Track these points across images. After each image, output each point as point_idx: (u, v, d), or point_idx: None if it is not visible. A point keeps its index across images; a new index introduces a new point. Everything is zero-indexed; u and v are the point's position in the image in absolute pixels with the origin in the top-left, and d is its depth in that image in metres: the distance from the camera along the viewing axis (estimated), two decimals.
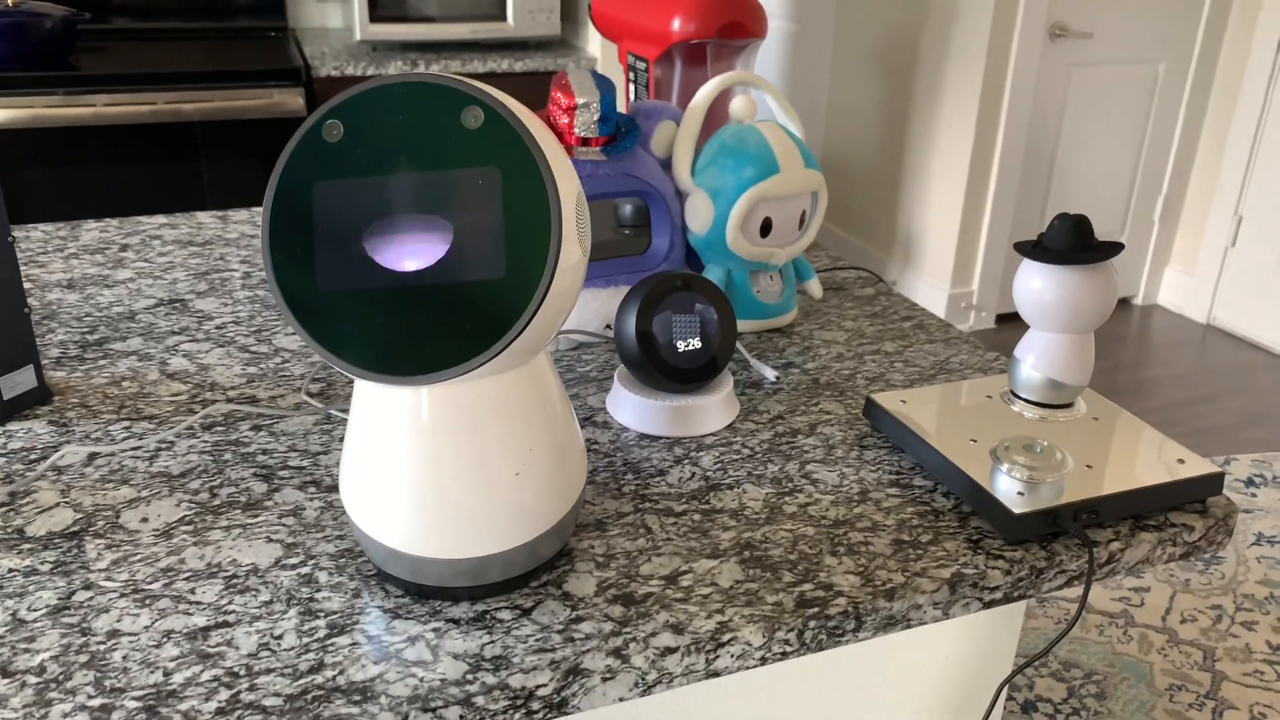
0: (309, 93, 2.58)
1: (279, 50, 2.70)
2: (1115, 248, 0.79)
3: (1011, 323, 3.43)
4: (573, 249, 0.61)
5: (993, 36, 2.98)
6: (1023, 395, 0.85)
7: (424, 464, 0.64)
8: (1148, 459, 0.81)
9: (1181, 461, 0.81)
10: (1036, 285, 0.81)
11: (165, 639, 0.64)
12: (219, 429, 0.88)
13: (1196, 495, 0.80)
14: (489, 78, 2.69)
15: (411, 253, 0.61)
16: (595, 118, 0.97)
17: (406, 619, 0.66)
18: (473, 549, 0.66)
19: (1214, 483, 0.80)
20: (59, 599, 0.67)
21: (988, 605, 0.73)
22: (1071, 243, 0.79)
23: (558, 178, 0.60)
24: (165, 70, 2.43)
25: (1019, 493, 0.76)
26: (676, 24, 1.17)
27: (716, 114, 1.21)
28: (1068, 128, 3.24)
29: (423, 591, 0.68)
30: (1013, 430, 0.84)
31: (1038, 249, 0.80)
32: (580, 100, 0.96)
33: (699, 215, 1.02)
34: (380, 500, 0.65)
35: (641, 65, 1.24)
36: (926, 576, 0.72)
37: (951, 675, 0.98)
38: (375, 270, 0.61)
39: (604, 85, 0.97)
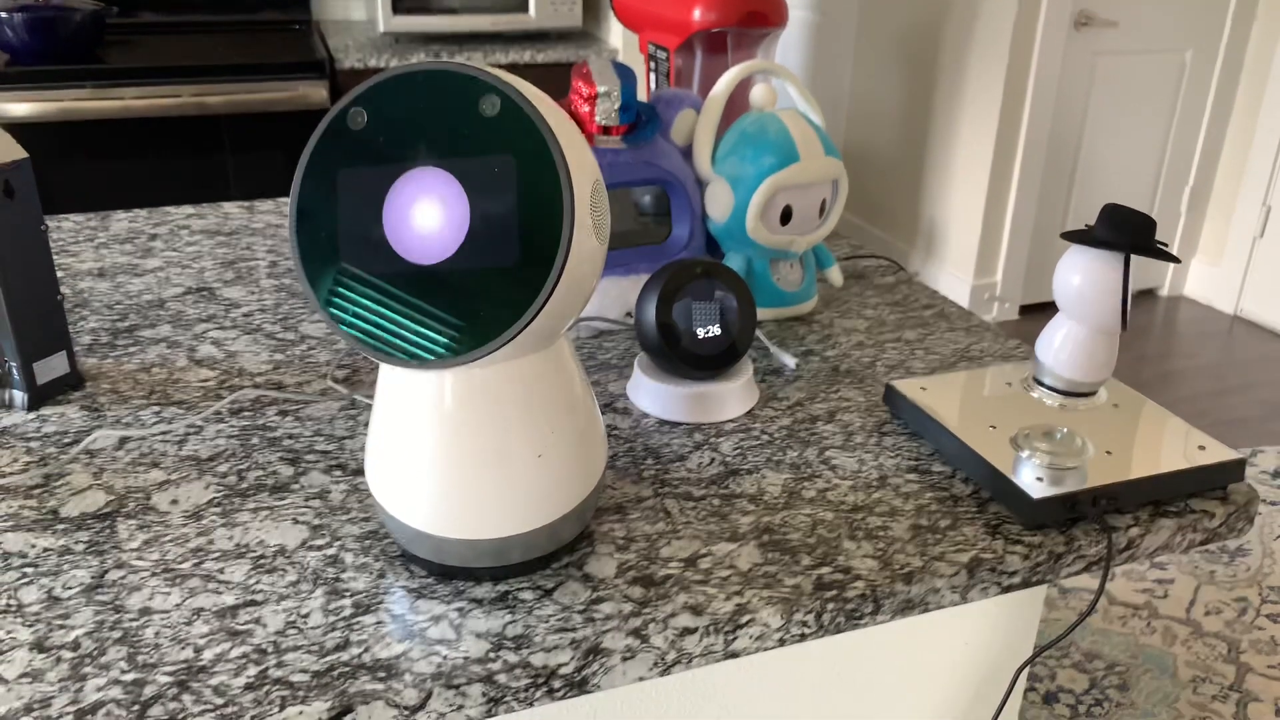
0: (333, 85, 2.60)
1: (303, 43, 2.72)
2: (1166, 254, 0.78)
3: (1035, 314, 3.41)
4: (586, 237, 0.62)
5: (1017, 25, 2.96)
6: (1045, 383, 0.85)
7: (447, 446, 0.65)
8: (1168, 445, 0.81)
9: (1202, 448, 0.81)
10: (1079, 275, 0.81)
11: (195, 616, 0.65)
12: (246, 414, 0.90)
13: (1218, 482, 0.80)
14: (511, 69, 2.70)
15: (429, 239, 0.62)
16: (616, 106, 0.97)
17: (430, 599, 0.67)
18: (495, 530, 0.67)
19: (1235, 469, 0.80)
20: (92, 578, 0.69)
21: (1006, 590, 0.74)
22: (1136, 238, 0.78)
23: (572, 166, 0.61)
24: (192, 63, 2.46)
25: (1038, 478, 0.76)
26: (698, 13, 1.17)
27: (737, 103, 1.22)
28: (1092, 117, 3.21)
29: (446, 572, 0.69)
30: (1033, 417, 0.84)
31: (1093, 237, 0.80)
32: (601, 89, 0.96)
33: (719, 203, 1.03)
34: (405, 482, 0.67)
35: (662, 54, 1.25)
36: (945, 561, 0.72)
37: (971, 662, 0.99)
38: (395, 256, 0.62)
39: (625, 74, 0.98)
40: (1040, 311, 3.44)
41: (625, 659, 0.64)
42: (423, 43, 2.75)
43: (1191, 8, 3.18)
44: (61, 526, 0.74)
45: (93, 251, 1.25)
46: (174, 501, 0.77)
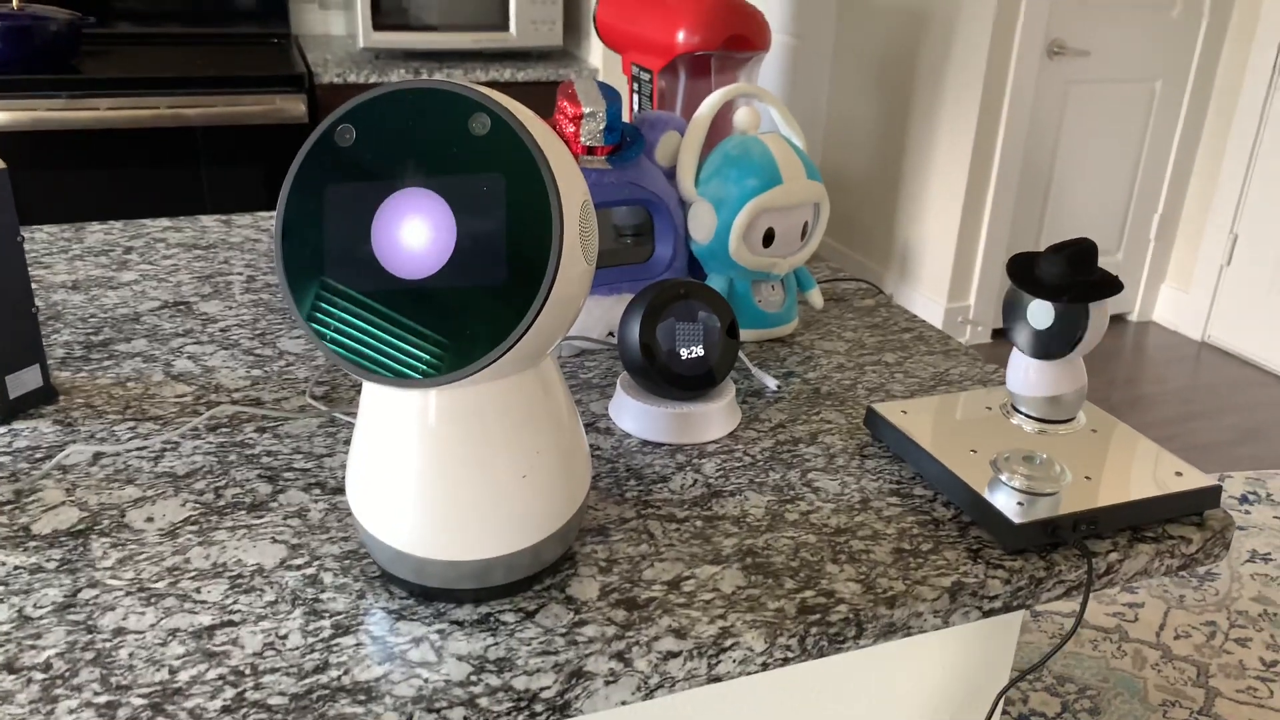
0: (311, 99, 2.59)
1: (282, 56, 2.71)
2: (1114, 286, 0.78)
3: (1006, 339, 3.44)
4: (575, 258, 0.62)
5: (991, 53, 3.00)
6: (1022, 410, 0.86)
7: (431, 466, 0.64)
8: (1146, 472, 0.82)
9: (1179, 474, 0.82)
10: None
11: (171, 637, 0.64)
12: (224, 430, 0.88)
13: (1194, 508, 0.81)
14: (491, 87, 2.70)
15: (417, 257, 0.61)
16: (601, 127, 0.97)
17: (411, 620, 0.67)
18: (478, 551, 0.66)
19: (1211, 496, 0.81)
20: (65, 596, 0.68)
21: (987, 614, 0.74)
22: (1068, 277, 0.78)
23: (562, 186, 0.61)
24: (168, 75, 2.44)
25: (1019, 503, 0.77)
26: (681, 36, 1.18)
27: (718, 125, 1.22)
28: (1065, 144, 3.26)
29: (427, 593, 0.68)
30: (1012, 442, 0.85)
31: (1034, 282, 0.80)
32: (586, 109, 0.96)
33: (702, 225, 1.03)
34: (387, 502, 0.66)
35: (646, 76, 1.25)
36: (927, 585, 0.72)
37: (948, 686, 0.99)
38: (382, 274, 0.62)
39: (610, 95, 0.98)
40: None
41: (608, 683, 0.63)
42: (403, 59, 2.74)
43: (1161, 39, 3.24)
44: (33, 544, 0.73)
45: (67, 264, 1.24)
46: (149, 519, 0.76)
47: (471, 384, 0.63)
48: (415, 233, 0.61)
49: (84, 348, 1.02)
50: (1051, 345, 0.78)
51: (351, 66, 2.61)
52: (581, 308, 0.66)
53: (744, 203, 1.00)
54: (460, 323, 0.61)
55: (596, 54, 2.80)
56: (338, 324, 0.62)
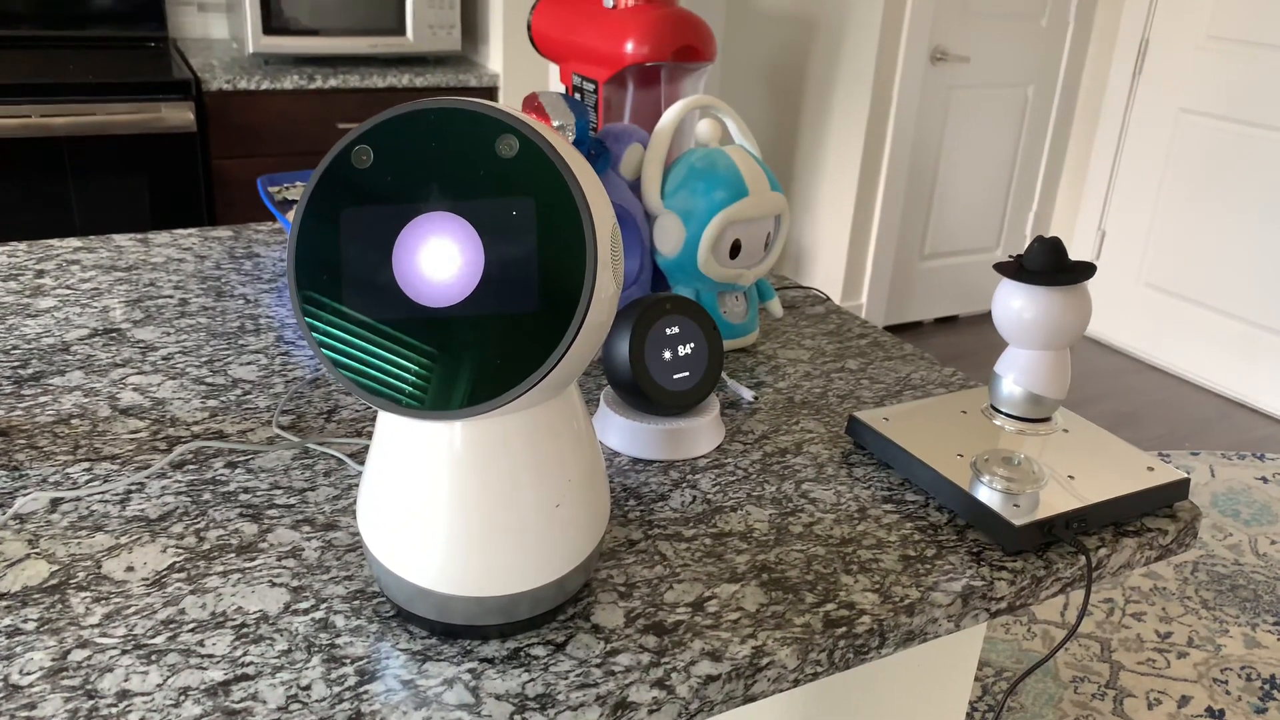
0: (199, 107, 2.47)
1: (161, 62, 2.57)
2: (1089, 269, 0.83)
3: (898, 334, 3.56)
4: (607, 281, 0.61)
5: (880, 59, 3.09)
6: (1004, 410, 0.89)
7: (458, 499, 0.62)
8: (1121, 468, 0.86)
9: (1150, 469, 0.86)
10: (1016, 305, 0.84)
11: (183, 697, 0.60)
12: (190, 467, 0.83)
13: (1167, 500, 0.85)
14: (389, 93, 2.63)
15: (443, 284, 0.59)
16: (570, 140, 0.96)
17: (438, 660, 0.64)
18: (505, 586, 0.64)
19: (1181, 488, 0.85)
20: (53, 660, 0.62)
21: (994, 615, 0.76)
22: (1050, 264, 0.83)
23: (594, 209, 0.60)
24: (40, 81, 2.29)
25: (1015, 505, 0.79)
26: (630, 46, 1.17)
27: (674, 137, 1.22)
28: (947, 146, 3.39)
29: (450, 631, 0.66)
30: (995, 443, 0.87)
31: (1018, 270, 0.84)
32: (556, 123, 0.95)
33: (669, 237, 1.03)
34: (408, 538, 0.63)
35: (590, 86, 1.24)
36: (940, 590, 0.74)
37: (923, 681, 1.01)
38: (405, 301, 0.59)
39: (577, 109, 0.97)
40: (903, 331, 3.59)
41: (652, 711, 0.62)
42: (294, 65, 2.64)
43: (1032, 47, 3.40)
44: (3, 604, 0.67)
45: None
46: (129, 568, 0.71)
47: (501, 413, 0.61)
48: (441, 259, 0.59)
49: (13, 383, 0.95)
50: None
51: (240, 72, 2.50)
52: (608, 332, 0.64)
53: (712, 215, 1.00)
54: (490, 352, 0.59)
55: (496, 60, 2.76)
56: (355, 353, 0.59)
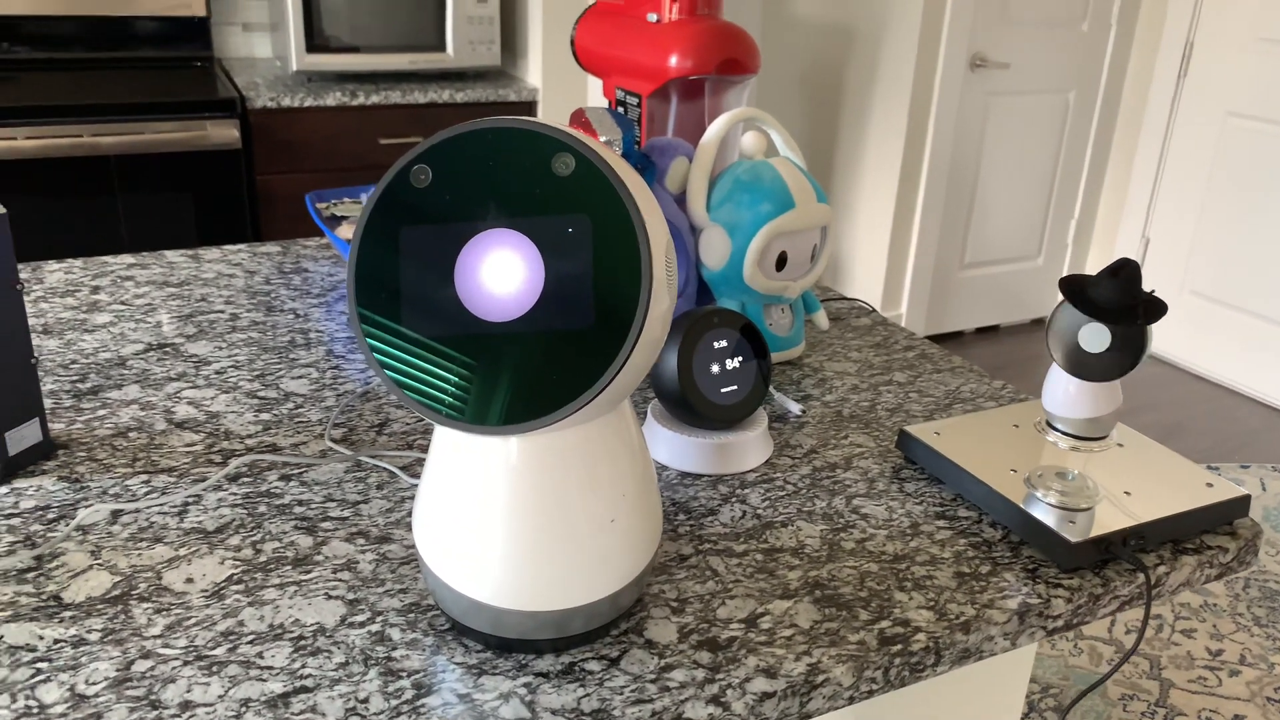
0: (244, 125, 2.51)
1: (207, 81, 2.62)
2: (1160, 308, 0.78)
3: (940, 344, 3.53)
4: (662, 297, 0.61)
5: (918, 66, 3.08)
6: (1058, 427, 0.88)
7: (516, 514, 0.62)
8: (1179, 483, 0.84)
9: (1210, 485, 0.85)
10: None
11: (244, 708, 0.61)
12: (245, 480, 0.84)
13: (1227, 517, 0.83)
14: (430, 108, 2.66)
15: (504, 300, 0.59)
16: (618, 155, 0.96)
17: (494, 675, 0.64)
18: (561, 601, 0.64)
19: (1241, 505, 0.84)
20: (118, 670, 0.63)
21: (1050, 633, 0.75)
22: (1122, 300, 0.79)
23: (649, 226, 0.60)
24: (90, 102, 2.34)
25: (1071, 521, 0.78)
26: (674, 60, 1.17)
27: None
28: (987, 154, 3.36)
29: (504, 644, 0.66)
30: (1048, 460, 0.86)
31: (1087, 301, 0.80)
32: (603, 138, 0.95)
33: (715, 250, 1.03)
34: (465, 552, 0.64)
35: (634, 100, 1.24)
36: (995, 608, 0.73)
37: (974, 699, 1.00)
38: (467, 317, 0.60)
39: (624, 124, 0.97)
40: (941, 342, 3.56)
41: None
42: (337, 82, 2.68)
43: (1073, 52, 3.37)
44: (69, 614, 0.68)
45: (32, 305, 1.17)
46: (189, 580, 0.72)
47: (558, 428, 0.61)
48: (502, 275, 0.59)
49: (72, 396, 0.97)
50: (1110, 368, 0.79)
51: (284, 90, 2.54)
52: (661, 347, 0.64)
53: (759, 227, 1.00)
54: (547, 367, 0.59)
55: (535, 74, 2.78)
56: (415, 371, 0.60)
